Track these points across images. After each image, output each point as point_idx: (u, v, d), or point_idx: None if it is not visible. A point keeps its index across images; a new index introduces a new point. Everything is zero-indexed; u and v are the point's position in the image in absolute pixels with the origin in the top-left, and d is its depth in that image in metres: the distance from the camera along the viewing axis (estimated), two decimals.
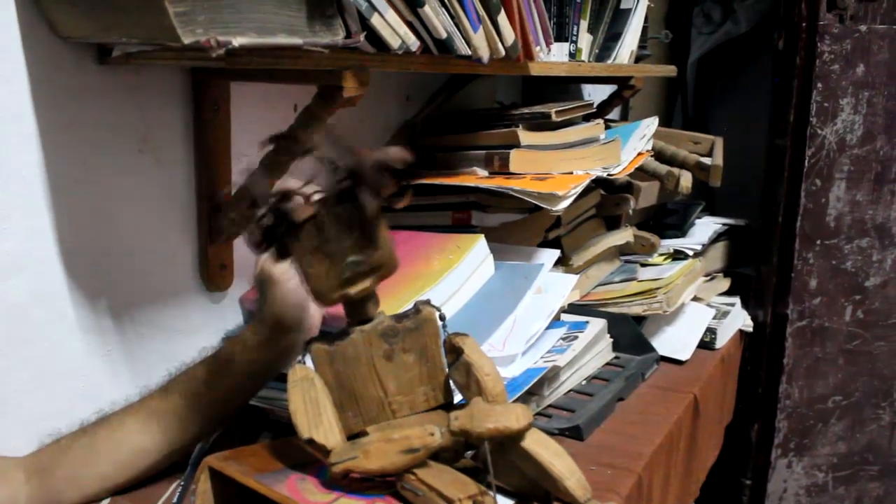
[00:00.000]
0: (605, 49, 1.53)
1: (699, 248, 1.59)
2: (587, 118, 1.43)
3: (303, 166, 0.71)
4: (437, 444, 0.67)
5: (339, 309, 0.91)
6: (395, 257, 0.74)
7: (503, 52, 1.03)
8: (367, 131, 1.36)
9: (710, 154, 1.69)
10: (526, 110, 1.31)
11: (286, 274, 0.82)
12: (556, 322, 1.11)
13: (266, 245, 0.71)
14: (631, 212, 1.50)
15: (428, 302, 0.78)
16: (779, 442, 1.72)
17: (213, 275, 1.06)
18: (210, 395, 0.84)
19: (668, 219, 1.74)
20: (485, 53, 1.00)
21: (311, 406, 0.70)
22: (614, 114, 1.97)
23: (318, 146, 0.70)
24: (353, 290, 0.72)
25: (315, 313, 0.88)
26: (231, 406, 0.87)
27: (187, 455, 0.86)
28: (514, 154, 1.22)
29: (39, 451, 0.81)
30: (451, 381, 0.78)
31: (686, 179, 1.54)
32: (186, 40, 0.67)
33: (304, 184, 0.71)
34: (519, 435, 0.66)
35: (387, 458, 0.68)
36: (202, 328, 1.08)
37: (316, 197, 0.71)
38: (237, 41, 0.70)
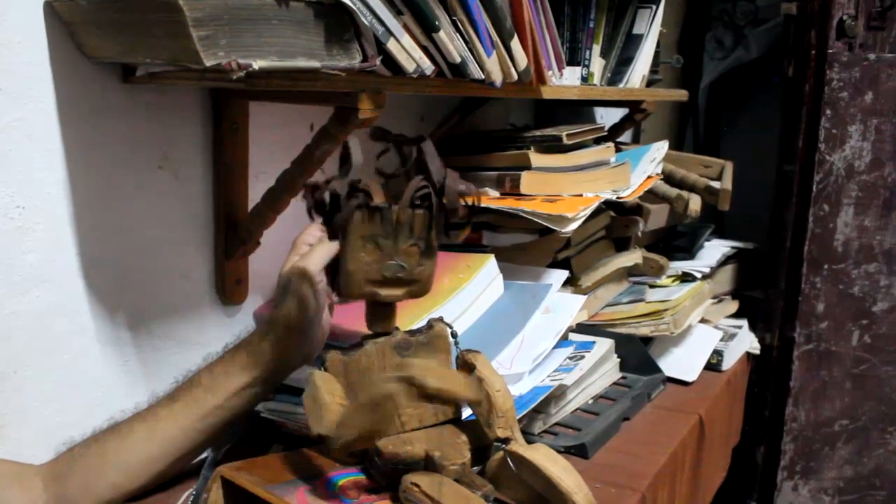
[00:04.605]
0: (617, 73, 1.55)
1: (707, 270, 1.60)
2: (598, 141, 1.45)
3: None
4: None
5: (347, 324, 0.93)
6: (431, 282, 0.76)
7: (516, 77, 1.05)
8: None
9: (719, 178, 1.70)
10: (538, 133, 1.33)
11: (314, 278, 0.84)
12: (563, 341, 1.12)
13: (324, 214, 0.71)
14: (640, 234, 1.51)
15: (440, 319, 0.80)
16: (785, 464, 1.72)
17: (229, 289, 1.08)
18: (210, 400, 0.84)
19: (677, 241, 1.75)
20: (497, 77, 1.02)
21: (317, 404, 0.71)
22: (626, 136, 1.98)
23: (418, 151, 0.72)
24: (385, 292, 0.74)
25: (325, 326, 0.90)
26: (231, 413, 0.85)
27: (195, 463, 0.87)
28: (525, 176, 1.24)
29: (55, 460, 0.83)
30: None
31: (695, 203, 1.55)
32: (209, 63, 0.69)
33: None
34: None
35: None
36: (217, 341, 1.09)
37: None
38: (257, 64, 0.72)
